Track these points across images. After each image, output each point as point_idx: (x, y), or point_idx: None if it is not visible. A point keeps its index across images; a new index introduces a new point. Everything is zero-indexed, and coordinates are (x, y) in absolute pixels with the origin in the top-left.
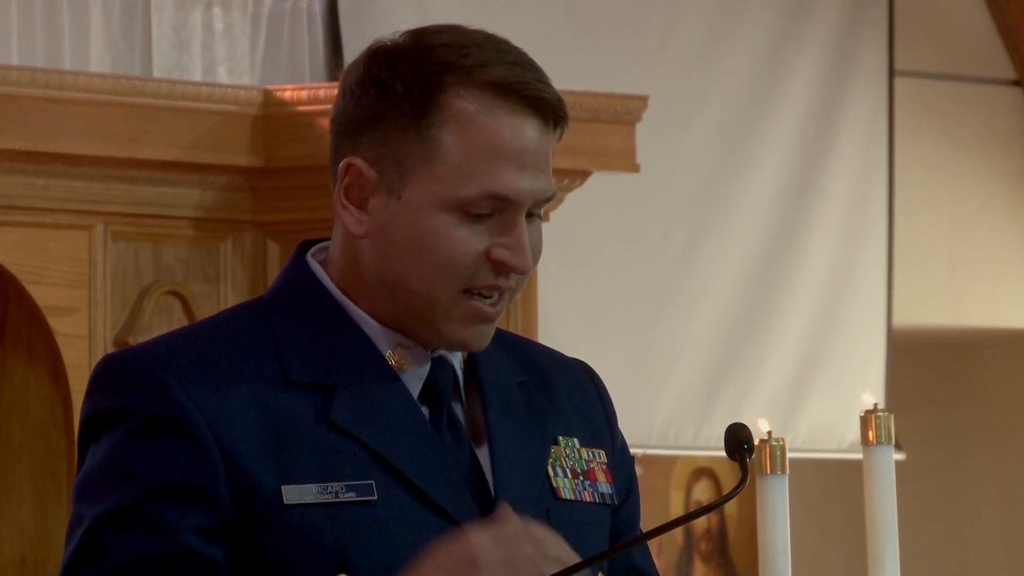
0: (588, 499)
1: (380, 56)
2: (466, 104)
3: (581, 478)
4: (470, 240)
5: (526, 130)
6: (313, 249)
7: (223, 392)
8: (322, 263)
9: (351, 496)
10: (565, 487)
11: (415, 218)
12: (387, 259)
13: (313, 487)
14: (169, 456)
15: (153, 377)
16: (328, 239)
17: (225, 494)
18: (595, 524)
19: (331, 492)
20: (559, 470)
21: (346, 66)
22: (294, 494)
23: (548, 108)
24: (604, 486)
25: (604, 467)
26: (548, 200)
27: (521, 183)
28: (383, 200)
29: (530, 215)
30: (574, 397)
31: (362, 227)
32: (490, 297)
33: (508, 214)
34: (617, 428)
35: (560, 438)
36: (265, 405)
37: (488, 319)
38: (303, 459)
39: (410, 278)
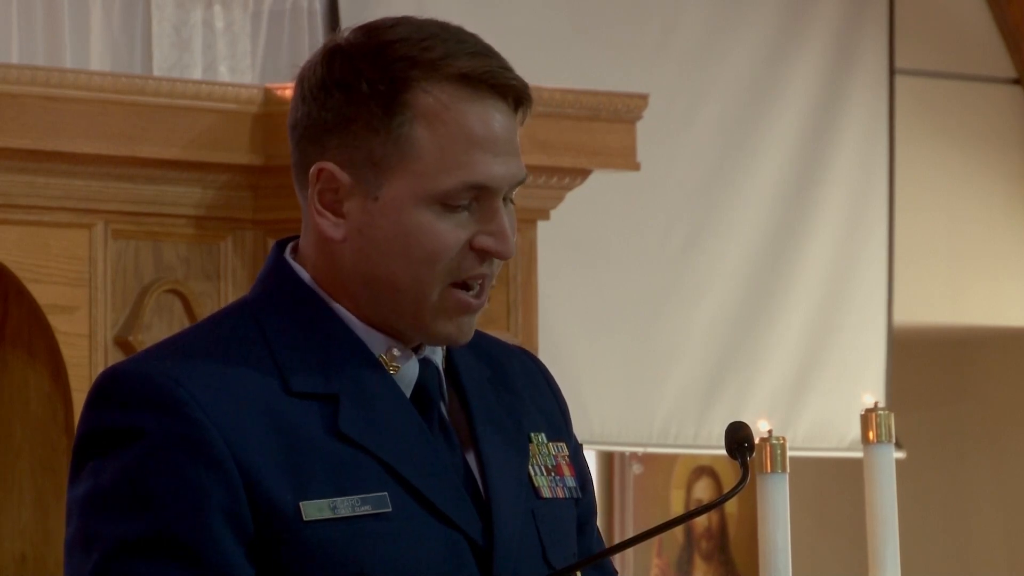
0: (561, 495)
1: (338, 56)
2: (434, 99)
3: (553, 474)
4: (452, 232)
5: (495, 117)
6: (288, 249)
7: (234, 405)
8: (298, 261)
9: (367, 509)
10: (543, 485)
11: (395, 217)
12: (370, 260)
13: (331, 502)
14: (191, 478)
15: (165, 393)
16: (298, 236)
17: (247, 512)
18: (569, 520)
19: (348, 506)
20: (536, 468)
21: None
22: (313, 510)
23: (514, 94)
24: (570, 480)
25: (567, 460)
26: (521, 183)
27: (496, 170)
28: (359, 202)
29: (504, 199)
30: (531, 389)
31: (339, 231)
32: (473, 289)
33: (486, 202)
34: (569, 417)
35: (532, 435)
36: (274, 417)
37: (473, 311)
38: (317, 473)
39: (396, 277)
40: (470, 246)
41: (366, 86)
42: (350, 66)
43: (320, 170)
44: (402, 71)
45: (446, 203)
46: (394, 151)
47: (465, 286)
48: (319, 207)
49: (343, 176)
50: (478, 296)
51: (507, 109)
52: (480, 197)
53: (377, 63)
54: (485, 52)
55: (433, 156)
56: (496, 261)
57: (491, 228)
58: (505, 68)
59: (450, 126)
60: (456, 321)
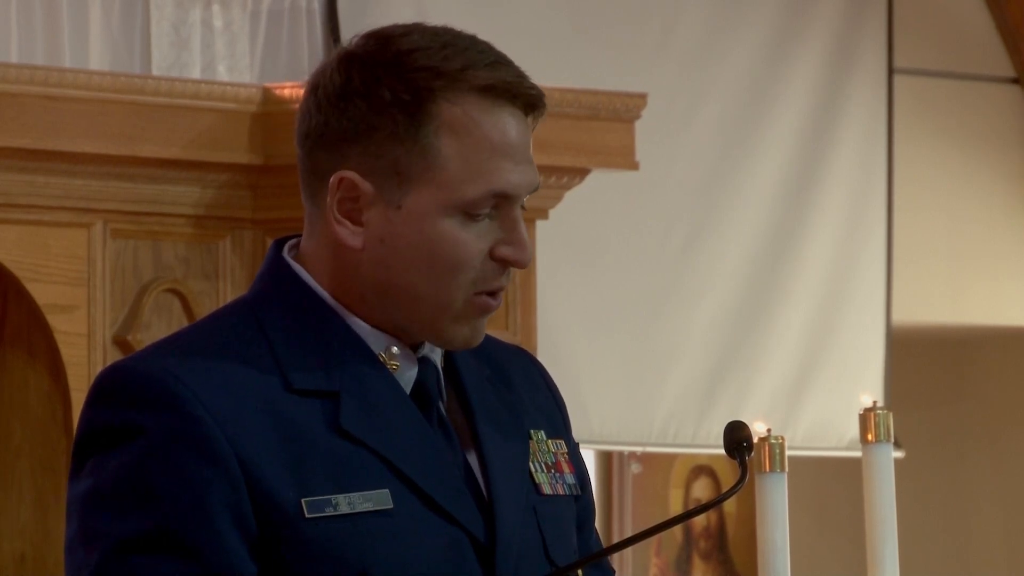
0: (561, 492)
1: (356, 64)
2: (458, 109)
3: (553, 471)
4: (475, 241)
5: (513, 125)
6: (286, 248)
7: (235, 403)
8: (297, 261)
9: (368, 506)
10: (544, 482)
11: (419, 226)
12: (391, 269)
13: (332, 498)
14: (192, 475)
15: (166, 390)
16: (298, 235)
17: (249, 510)
18: (569, 517)
19: (350, 503)
20: (537, 465)
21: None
22: (315, 506)
23: (533, 103)
24: (569, 477)
25: (566, 457)
26: (536, 189)
27: (516, 177)
28: (381, 211)
29: None
30: (528, 387)
31: (358, 239)
32: (494, 294)
33: (505, 210)
34: (567, 416)
35: (532, 432)
36: (275, 414)
37: (490, 311)
38: (319, 470)
39: (417, 286)
40: (490, 255)
41: (389, 95)
42: (370, 75)
43: (341, 179)
44: (425, 81)
45: (469, 212)
46: (419, 161)
47: (489, 293)
48: (338, 216)
49: (365, 185)
50: (495, 297)
51: (522, 117)
52: (500, 205)
53: (398, 72)
54: (503, 61)
55: (457, 166)
56: (511, 270)
57: (510, 237)
58: (522, 77)
59: (474, 136)
60: (471, 324)
